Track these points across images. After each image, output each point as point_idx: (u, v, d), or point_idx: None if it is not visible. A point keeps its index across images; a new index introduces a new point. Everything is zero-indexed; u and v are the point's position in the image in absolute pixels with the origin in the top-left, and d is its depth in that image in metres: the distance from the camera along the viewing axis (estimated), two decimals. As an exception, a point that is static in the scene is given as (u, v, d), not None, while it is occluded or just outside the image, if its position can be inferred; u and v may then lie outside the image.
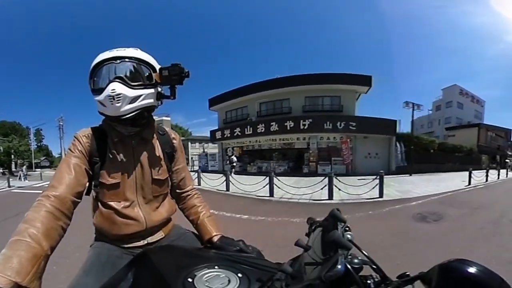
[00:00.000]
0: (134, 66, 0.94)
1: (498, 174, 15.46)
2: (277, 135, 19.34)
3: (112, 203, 0.98)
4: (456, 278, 0.43)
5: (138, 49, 0.99)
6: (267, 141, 20.65)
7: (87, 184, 0.96)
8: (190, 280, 0.67)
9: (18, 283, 0.60)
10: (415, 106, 19.19)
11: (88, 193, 0.99)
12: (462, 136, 31.83)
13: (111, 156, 0.99)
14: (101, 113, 0.96)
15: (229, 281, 0.68)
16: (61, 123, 33.35)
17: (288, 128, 18.33)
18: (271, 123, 19.07)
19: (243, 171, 20.24)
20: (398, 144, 18.70)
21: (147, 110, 0.99)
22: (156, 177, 1.04)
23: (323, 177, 8.18)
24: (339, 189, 7.89)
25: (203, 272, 0.70)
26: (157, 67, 0.99)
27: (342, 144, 17.51)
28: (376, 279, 0.54)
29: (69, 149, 0.98)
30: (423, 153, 21.16)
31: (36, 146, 32.82)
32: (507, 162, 25.27)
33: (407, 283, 0.50)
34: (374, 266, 0.55)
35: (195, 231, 1.14)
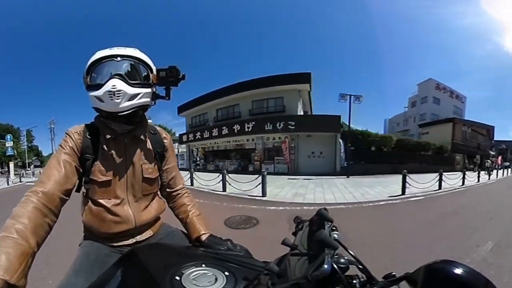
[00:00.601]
0: (133, 65, 0.96)
1: (478, 177, 13.76)
2: (228, 137, 21.17)
3: (102, 201, 0.98)
4: (442, 279, 0.43)
5: (137, 49, 1.00)
6: (223, 143, 22.59)
7: (77, 182, 0.95)
8: (177, 278, 0.67)
9: (6, 281, 0.59)
10: (353, 98, 16.80)
11: (78, 190, 0.99)
12: (437, 133, 29.76)
13: (103, 154, 0.99)
14: (97, 109, 0.96)
15: (216, 279, 0.68)
16: (52, 126, 35.49)
17: (236, 131, 20.08)
18: (223, 127, 20.97)
19: (204, 169, 22.16)
20: (340, 142, 17.65)
21: (142, 109, 1.00)
22: (146, 176, 1.05)
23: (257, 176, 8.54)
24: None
25: (191, 270, 0.71)
26: (154, 67, 1.01)
27: (282, 144, 18.62)
28: (362, 279, 0.54)
29: (60, 145, 0.97)
30: (376, 152, 19.77)
31: (27, 147, 35.30)
32: (487, 163, 22.38)
33: (393, 284, 0.50)
34: (361, 266, 0.55)
35: (184, 230, 1.14)
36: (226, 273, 0.71)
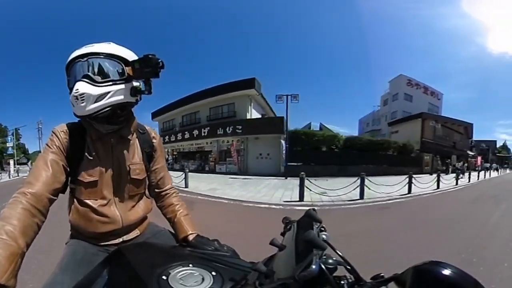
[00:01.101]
0: (101, 62, 0.91)
1: (438, 182, 11.16)
2: (190, 141, 23.94)
3: (88, 201, 0.98)
4: (430, 280, 0.43)
5: (111, 43, 0.96)
6: (187, 146, 25.43)
7: (64, 181, 0.94)
8: (164, 278, 0.67)
9: None
10: (291, 97, 17.52)
11: (64, 191, 0.96)
12: (406, 131, 28.04)
13: (89, 154, 0.97)
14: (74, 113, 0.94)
15: (203, 279, 0.68)
16: (40, 126, 37.51)
17: (195, 135, 22.91)
18: (185, 132, 23.86)
19: (171, 168, 24.67)
20: (283, 144, 18.36)
21: (120, 108, 0.96)
22: (133, 177, 1.04)
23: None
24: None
25: (177, 270, 0.70)
26: (130, 60, 0.95)
27: (231, 147, 20.62)
28: (350, 280, 0.54)
29: (47, 145, 0.96)
30: (325, 153, 19.48)
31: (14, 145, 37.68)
32: (457, 164, 20.87)
33: (381, 285, 0.50)
34: (349, 267, 0.55)
35: (172, 230, 1.13)
36: (213, 273, 0.71)
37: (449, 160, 27.96)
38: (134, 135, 1.07)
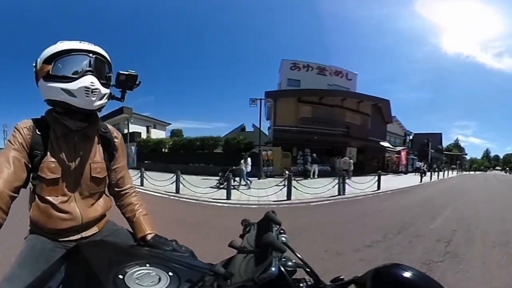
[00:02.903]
0: (104, 64, 0.98)
1: (341, 189, 8.43)
2: None
3: (49, 198, 0.98)
4: (391, 283, 0.43)
5: (97, 46, 1.00)
6: None
7: (26, 178, 0.95)
8: (120, 276, 0.66)
9: None
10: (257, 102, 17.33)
11: (25, 186, 0.97)
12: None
13: (52, 150, 0.98)
14: (53, 103, 0.95)
15: (159, 279, 0.68)
16: (6, 129, 38.45)
17: None
18: None
19: None
20: (133, 148, 20.80)
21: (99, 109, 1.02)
22: (94, 175, 1.05)
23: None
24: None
25: (134, 270, 0.70)
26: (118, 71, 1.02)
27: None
28: (310, 283, 0.55)
29: (9, 141, 0.95)
30: (156, 153, 21.64)
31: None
32: (339, 162, 16.00)
33: (341, 287, 0.51)
34: (308, 270, 0.55)
35: (130, 229, 1.14)
36: (170, 274, 0.70)
37: (339, 156, 18.75)
38: (97, 134, 1.09)
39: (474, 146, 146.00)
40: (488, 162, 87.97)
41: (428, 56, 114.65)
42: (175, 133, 29.04)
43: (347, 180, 9.57)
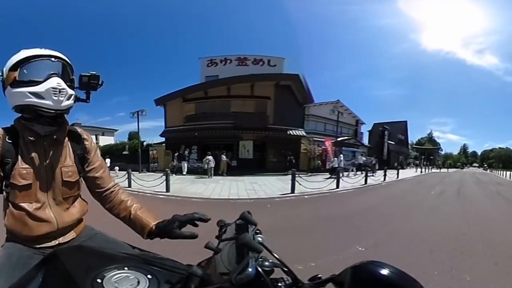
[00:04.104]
0: (67, 68, 1.02)
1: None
2: None
3: (23, 204, 0.98)
4: (369, 280, 0.44)
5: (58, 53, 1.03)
6: None
7: None
8: (99, 280, 0.66)
9: None
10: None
11: None
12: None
13: (23, 157, 0.99)
14: (21, 109, 0.98)
15: (138, 282, 0.68)
16: None
17: None
18: None
19: None
20: None
21: (66, 111, 1.03)
22: (66, 179, 1.05)
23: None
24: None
25: (113, 273, 0.69)
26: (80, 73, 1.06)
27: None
28: (287, 282, 0.54)
29: None
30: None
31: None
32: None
33: (319, 286, 0.50)
34: (286, 269, 0.55)
35: (107, 233, 1.14)
36: (149, 276, 0.70)
37: (182, 151, 18.75)
38: (66, 138, 1.09)
39: (452, 143, 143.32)
40: (465, 158, 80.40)
41: (407, 53, 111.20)
42: (133, 135, 31.34)
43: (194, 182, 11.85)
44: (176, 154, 18.51)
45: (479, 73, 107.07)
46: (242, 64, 23.14)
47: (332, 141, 22.22)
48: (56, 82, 0.94)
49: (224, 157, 16.19)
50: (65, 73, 1.01)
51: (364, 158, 20.64)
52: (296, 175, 9.66)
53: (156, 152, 21.34)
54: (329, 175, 15.32)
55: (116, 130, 36.55)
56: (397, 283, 0.44)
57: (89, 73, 1.07)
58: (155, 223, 1.01)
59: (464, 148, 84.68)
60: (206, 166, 14.98)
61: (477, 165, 69.09)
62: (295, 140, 20.49)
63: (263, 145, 19.49)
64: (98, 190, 1.15)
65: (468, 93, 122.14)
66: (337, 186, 11.06)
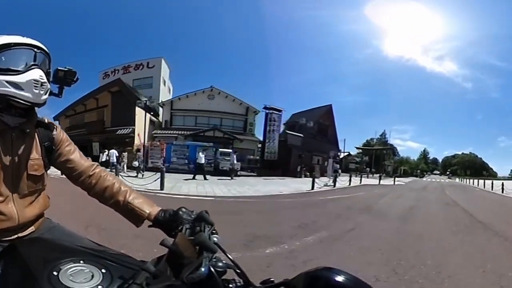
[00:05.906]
0: (46, 60, 0.97)
1: None
2: None
3: None
4: (322, 287, 0.43)
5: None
6: None
7: None
8: (55, 273, 0.67)
9: None
10: None
11: None
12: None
13: None
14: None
15: (92, 276, 0.68)
16: None
17: None
18: None
19: None
20: None
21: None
22: (31, 173, 1.01)
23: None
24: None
25: (68, 266, 0.70)
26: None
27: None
28: (239, 284, 0.54)
29: None
30: None
31: None
32: None
33: None
34: (238, 271, 0.55)
35: (66, 226, 1.12)
36: (103, 270, 0.70)
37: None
38: (34, 129, 1.05)
39: (412, 151, 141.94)
40: (426, 164, 72.28)
41: (369, 59, 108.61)
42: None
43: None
44: None
45: (438, 80, 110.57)
46: (126, 72, 27.71)
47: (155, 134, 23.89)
48: (38, 74, 0.91)
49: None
50: (45, 65, 0.98)
51: (202, 155, 15.07)
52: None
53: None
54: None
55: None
56: None
57: (66, 68, 1.05)
58: (155, 213, 0.98)
59: (424, 154, 74.43)
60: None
61: (438, 172, 62.90)
62: (126, 137, 22.53)
63: (104, 144, 22.13)
64: (74, 174, 1.09)
65: (428, 100, 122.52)
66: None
